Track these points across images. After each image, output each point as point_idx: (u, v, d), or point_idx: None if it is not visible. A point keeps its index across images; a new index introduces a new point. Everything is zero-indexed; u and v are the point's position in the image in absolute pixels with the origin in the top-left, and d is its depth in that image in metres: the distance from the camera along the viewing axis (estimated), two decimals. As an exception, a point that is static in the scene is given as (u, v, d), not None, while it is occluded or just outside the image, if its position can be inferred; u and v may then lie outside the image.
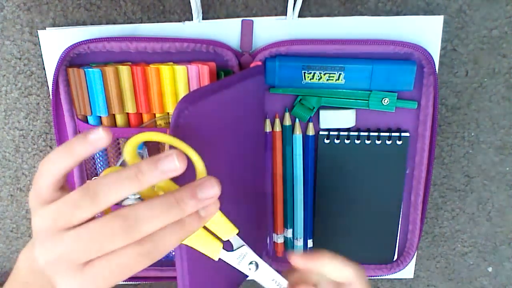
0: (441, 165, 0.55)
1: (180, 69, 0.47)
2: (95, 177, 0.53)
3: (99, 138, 0.27)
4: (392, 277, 0.58)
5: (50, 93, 0.51)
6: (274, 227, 0.56)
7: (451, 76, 0.51)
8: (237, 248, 0.32)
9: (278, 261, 0.58)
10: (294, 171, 0.53)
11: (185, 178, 0.28)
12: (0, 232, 0.60)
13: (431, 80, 0.48)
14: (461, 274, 0.60)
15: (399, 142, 0.51)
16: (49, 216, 0.26)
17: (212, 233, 0.31)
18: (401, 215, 0.54)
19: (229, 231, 0.31)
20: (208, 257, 0.31)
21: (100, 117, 0.49)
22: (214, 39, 0.48)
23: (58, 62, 0.47)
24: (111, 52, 0.48)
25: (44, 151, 0.55)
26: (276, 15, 0.49)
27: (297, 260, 0.35)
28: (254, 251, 0.33)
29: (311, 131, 0.51)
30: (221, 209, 0.30)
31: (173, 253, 0.56)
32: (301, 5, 0.47)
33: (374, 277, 0.57)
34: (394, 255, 0.56)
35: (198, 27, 0.48)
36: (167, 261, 0.57)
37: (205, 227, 0.30)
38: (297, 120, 0.51)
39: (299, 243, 0.56)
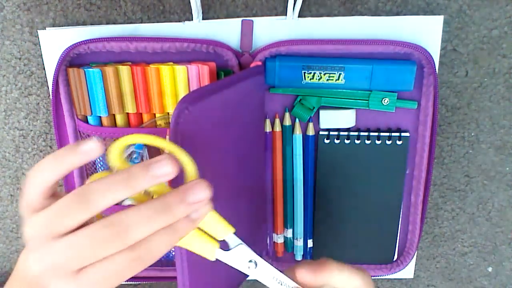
0: (441, 165, 0.55)
1: (180, 69, 0.47)
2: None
3: (91, 149, 0.27)
4: (392, 277, 0.58)
5: (50, 93, 0.51)
6: (274, 227, 0.56)
7: (451, 76, 0.51)
8: (234, 247, 0.32)
9: (278, 261, 0.58)
10: (294, 171, 0.53)
11: (178, 181, 0.28)
12: (0, 232, 0.60)
13: (431, 80, 0.48)
14: (461, 274, 0.60)
15: (399, 142, 0.51)
16: (39, 224, 0.26)
17: (208, 233, 0.30)
18: (401, 215, 0.54)
19: (225, 231, 0.31)
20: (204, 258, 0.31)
21: (100, 117, 0.49)
22: (214, 39, 0.48)
23: (58, 62, 0.47)
24: (111, 52, 0.48)
25: (44, 151, 0.55)
26: (276, 15, 0.49)
27: (305, 274, 0.35)
28: (253, 250, 0.32)
29: (311, 131, 0.51)
30: (220, 208, 0.30)
31: (173, 253, 0.56)
32: (301, 5, 0.47)
33: (374, 277, 0.57)
34: (394, 255, 0.56)
35: (198, 27, 0.48)
36: (167, 261, 0.57)
37: (199, 228, 0.30)
38: (297, 120, 0.51)
39: (299, 243, 0.56)
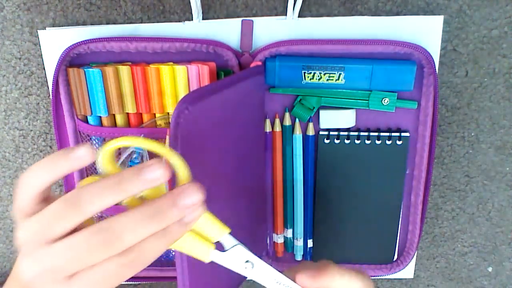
0: (441, 165, 0.55)
1: (180, 69, 0.47)
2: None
3: (82, 156, 0.26)
4: (392, 277, 0.58)
5: (50, 93, 0.51)
6: (274, 227, 0.56)
7: (451, 76, 0.51)
8: (230, 248, 0.31)
9: (278, 261, 0.58)
10: (294, 171, 0.53)
11: (172, 184, 0.28)
12: (0, 232, 0.60)
13: (431, 80, 0.48)
14: (461, 274, 0.60)
15: (399, 142, 0.51)
16: (31, 229, 0.26)
17: (203, 235, 0.30)
18: (401, 215, 0.54)
19: (220, 232, 0.30)
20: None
21: (100, 117, 0.49)
22: (214, 39, 0.48)
23: (58, 62, 0.47)
24: (111, 52, 0.48)
25: (44, 151, 0.55)
26: (276, 15, 0.49)
27: (305, 280, 0.34)
28: (251, 250, 0.32)
29: (311, 131, 0.51)
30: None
31: (173, 253, 0.56)
32: (301, 5, 0.47)
33: (374, 277, 0.57)
34: (394, 255, 0.56)
35: (198, 27, 0.48)
36: (167, 261, 0.57)
37: (194, 230, 0.30)
38: (297, 120, 0.51)
39: (299, 243, 0.56)
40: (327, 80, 0.48)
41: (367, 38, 0.47)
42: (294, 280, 0.34)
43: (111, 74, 0.47)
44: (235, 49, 0.49)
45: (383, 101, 0.49)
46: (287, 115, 0.51)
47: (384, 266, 0.56)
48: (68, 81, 0.48)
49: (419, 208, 0.53)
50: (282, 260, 0.58)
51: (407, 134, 0.50)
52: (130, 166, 0.50)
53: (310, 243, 0.56)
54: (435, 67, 0.47)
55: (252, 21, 0.48)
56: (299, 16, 0.48)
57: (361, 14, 0.49)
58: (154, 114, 0.49)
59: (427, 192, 0.52)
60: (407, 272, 0.59)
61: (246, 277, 0.35)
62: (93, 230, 0.25)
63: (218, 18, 0.49)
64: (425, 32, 0.47)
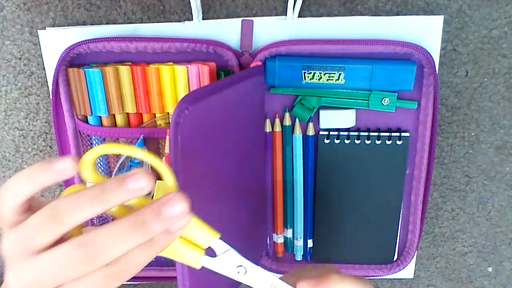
0: (441, 165, 0.55)
1: (180, 69, 0.47)
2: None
3: (65, 169, 0.26)
4: (392, 277, 0.58)
5: (50, 93, 0.51)
6: (274, 227, 0.56)
7: (451, 76, 0.51)
8: (222, 254, 0.30)
9: (278, 261, 0.58)
10: (294, 171, 0.53)
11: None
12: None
13: (431, 80, 0.48)
14: (461, 274, 0.60)
15: (399, 142, 0.51)
16: (14, 240, 0.26)
17: (192, 241, 0.29)
18: (401, 215, 0.54)
19: (210, 237, 0.29)
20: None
21: (100, 117, 0.49)
22: (214, 39, 0.48)
23: (58, 62, 0.47)
24: (111, 52, 0.48)
25: (44, 151, 0.55)
26: (276, 15, 0.49)
27: None
28: (244, 254, 0.32)
29: (311, 131, 0.51)
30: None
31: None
32: (301, 5, 0.47)
33: (374, 277, 0.57)
34: (394, 255, 0.56)
35: (198, 27, 0.48)
36: (167, 261, 0.57)
37: (182, 236, 0.29)
38: (297, 120, 0.51)
39: (299, 243, 0.56)
40: (327, 80, 0.48)
41: (367, 38, 0.47)
42: (295, 286, 0.33)
43: (111, 74, 0.47)
44: (235, 49, 0.49)
45: (383, 101, 0.49)
46: (287, 115, 0.51)
47: (384, 266, 0.56)
48: (68, 81, 0.48)
49: (419, 208, 0.53)
50: (282, 260, 0.58)
51: (407, 134, 0.50)
52: (130, 166, 0.50)
53: (310, 243, 0.56)
54: (435, 67, 0.47)
55: (252, 21, 0.48)
56: (299, 16, 0.48)
57: (361, 14, 0.49)
58: (154, 114, 0.49)
59: (427, 192, 0.52)
60: (407, 272, 0.59)
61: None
62: (75, 244, 0.25)
63: (218, 18, 0.49)
64: (425, 32, 0.47)
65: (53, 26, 0.50)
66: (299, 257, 0.57)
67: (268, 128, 0.51)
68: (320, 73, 0.48)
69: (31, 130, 0.54)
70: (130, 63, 0.49)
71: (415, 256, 0.57)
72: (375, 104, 0.49)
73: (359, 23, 0.48)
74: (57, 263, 0.25)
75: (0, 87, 0.53)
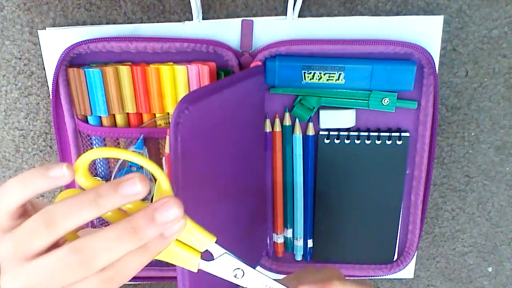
0: (441, 165, 0.55)
1: (180, 69, 0.46)
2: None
3: (60, 176, 0.25)
4: (392, 277, 0.58)
5: (50, 93, 0.51)
6: (274, 227, 0.56)
7: (451, 76, 0.51)
8: (218, 257, 0.30)
9: (278, 261, 0.58)
10: (294, 171, 0.53)
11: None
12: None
13: (431, 80, 0.48)
14: (461, 274, 0.60)
15: (399, 142, 0.51)
16: (8, 244, 0.25)
17: (188, 244, 0.29)
18: (401, 215, 0.54)
19: (206, 241, 0.29)
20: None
21: (100, 117, 0.49)
22: (214, 39, 0.48)
23: (58, 62, 0.47)
24: (111, 52, 0.48)
25: (44, 151, 0.55)
26: (276, 15, 0.49)
27: None
28: (240, 257, 0.31)
29: (311, 131, 0.51)
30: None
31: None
32: (301, 5, 0.47)
33: (374, 277, 0.57)
34: (394, 255, 0.56)
35: (198, 27, 0.48)
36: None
37: (178, 240, 0.29)
38: (297, 120, 0.51)
39: (299, 243, 0.56)
40: (327, 80, 0.48)
41: (367, 38, 0.47)
42: None
43: (111, 74, 0.47)
44: (235, 49, 0.49)
45: (383, 101, 0.49)
46: (287, 115, 0.51)
47: (384, 266, 0.56)
48: (68, 81, 0.48)
49: (419, 208, 0.53)
50: (282, 260, 0.58)
51: (407, 134, 0.50)
52: (130, 166, 0.50)
53: (310, 243, 0.56)
54: (435, 67, 0.47)
55: (252, 21, 0.48)
56: (299, 16, 0.48)
57: (361, 14, 0.49)
58: (154, 114, 0.49)
59: (427, 192, 0.52)
60: (407, 272, 0.59)
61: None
62: (68, 250, 0.24)
63: (218, 18, 0.49)
64: (425, 32, 0.47)
65: (53, 26, 0.50)
66: (299, 257, 0.57)
67: (268, 128, 0.51)
68: (320, 73, 0.48)
69: (31, 130, 0.54)
70: (130, 63, 0.49)
71: (415, 256, 0.57)
72: (375, 104, 0.49)
73: (359, 23, 0.48)
74: (50, 269, 0.25)
75: (0, 87, 0.53)
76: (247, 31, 0.48)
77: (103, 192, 0.25)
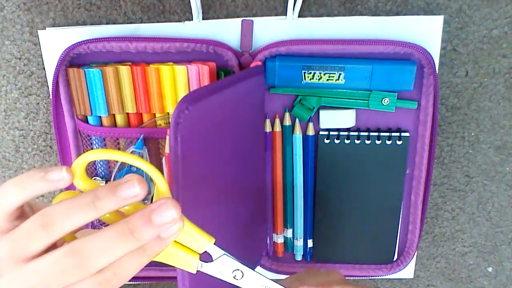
0: (441, 165, 0.55)
1: (180, 69, 0.46)
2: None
3: (59, 179, 0.25)
4: (392, 277, 0.58)
5: (50, 93, 0.51)
6: (274, 227, 0.56)
7: (451, 76, 0.51)
8: (217, 258, 0.30)
9: (278, 261, 0.58)
10: (294, 171, 0.53)
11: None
12: None
13: (431, 80, 0.48)
14: (461, 274, 0.60)
15: (399, 142, 0.51)
16: (5, 246, 0.25)
17: (187, 246, 0.29)
18: (401, 215, 0.54)
19: (205, 242, 0.29)
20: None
21: (100, 117, 0.49)
22: (214, 39, 0.48)
23: (58, 62, 0.47)
24: (111, 52, 0.48)
25: (44, 151, 0.55)
26: (276, 15, 0.49)
27: None
28: (239, 259, 0.31)
29: (311, 131, 0.51)
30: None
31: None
32: (301, 5, 0.47)
33: (374, 277, 0.57)
34: (394, 255, 0.56)
35: (198, 27, 0.48)
36: (167, 261, 0.57)
37: (177, 242, 0.29)
38: (297, 120, 0.51)
39: (299, 243, 0.56)
40: (327, 80, 0.48)
41: (367, 38, 0.47)
42: None
43: (111, 74, 0.47)
44: (235, 49, 0.49)
45: (383, 101, 0.49)
46: (287, 115, 0.51)
47: (384, 266, 0.56)
48: (68, 81, 0.48)
49: (419, 208, 0.53)
50: (282, 260, 0.58)
51: (407, 134, 0.50)
52: (130, 166, 0.50)
53: (310, 243, 0.56)
54: (435, 67, 0.47)
55: (252, 21, 0.48)
56: (299, 16, 0.48)
57: (361, 14, 0.49)
58: (154, 114, 0.49)
59: (427, 192, 0.52)
60: (407, 272, 0.59)
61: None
62: (64, 252, 0.24)
63: (218, 18, 0.49)
64: (425, 32, 0.47)
65: (53, 26, 0.50)
66: (299, 257, 0.57)
67: (268, 128, 0.51)
68: (320, 73, 0.48)
69: (31, 130, 0.54)
70: (130, 63, 0.49)
71: (415, 256, 0.57)
72: (375, 104, 0.49)
73: (359, 23, 0.48)
74: (47, 271, 0.24)
75: (0, 87, 0.53)
76: (247, 31, 0.48)
77: (101, 194, 0.25)
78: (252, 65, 0.47)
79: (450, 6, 0.48)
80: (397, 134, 0.50)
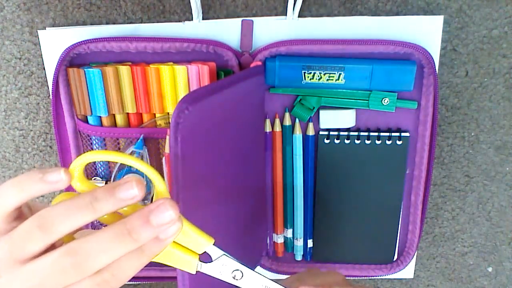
0: (441, 165, 0.55)
1: (180, 69, 0.46)
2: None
3: (57, 181, 0.25)
4: (392, 277, 0.58)
5: (50, 93, 0.51)
6: (274, 227, 0.56)
7: (451, 76, 0.51)
8: (217, 258, 0.30)
9: (278, 261, 0.58)
10: (294, 171, 0.53)
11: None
12: None
13: (431, 80, 0.48)
14: (461, 274, 0.60)
15: (399, 142, 0.51)
16: (4, 247, 0.25)
17: (186, 246, 0.29)
18: (401, 215, 0.54)
19: (204, 243, 0.29)
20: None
21: (100, 117, 0.49)
22: (214, 39, 0.48)
23: (58, 62, 0.47)
24: (111, 52, 0.48)
25: (44, 151, 0.55)
26: (276, 15, 0.49)
27: None
28: (239, 259, 0.31)
29: (311, 131, 0.51)
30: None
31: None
32: (301, 5, 0.47)
33: (374, 277, 0.57)
34: (394, 255, 0.56)
35: (198, 27, 0.48)
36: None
37: (175, 242, 0.28)
38: (297, 120, 0.51)
39: (299, 243, 0.56)
40: (327, 80, 0.48)
41: (367, 38, 0.47)
42: None
43: (111, 74, 0.47)
44: (235, 49, 0.49)
45: (383, 101, 0.49)
46: (287, 115, 0.51)
47: (384, 266, 0.56)
48: (68, 81, 0.48)
49: (419, 208, 0.53)
50: (282, 260, 0.58)
51: (407, 134, 0.50)
52: (130, 166, 0.50)
53: (310, 243, 0.56)
54: (435, 67, 0.47)
55: (252, 21, 0.48)
56: (299, 16, 0.48)
57: (361, 14, 0.49)
58: (154, 114, 0.49)
59: (427, 192, 0.52)
60: (407, 272, 0.59)
61: None
62: (61, 252, 0.24)
63: (218, 18, 0.49)
64: (425, 32, 0.47)
65: (53, 26, 0.50)
66: (299, 257, 0.57)
67: (268, 128, 0.51)
68: (320, 73, 0.48)
69: (31, 130, 0.54)
70: (130, 63, 0.49)
71: (415, 256, 0.57)
72: (375, 104, 0.49)
73: (359, 23, 0.48)
74: (45, 272, 0.24)
75: (0, 87, 0.53)
76: (247, 31, 0.48)
77: (99, 195, 0.25)
78: (252, 65, 0.47)
79: (450, 6, 0.48)
80: (397, 134, 0.50)
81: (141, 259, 0.26)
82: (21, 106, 0.53)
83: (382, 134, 0.50)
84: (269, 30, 0.48)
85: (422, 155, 0.51)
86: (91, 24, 0.50)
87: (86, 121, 0.50)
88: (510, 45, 0.49)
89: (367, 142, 0.51)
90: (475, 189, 0.56)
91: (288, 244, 0.57)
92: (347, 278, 0.57)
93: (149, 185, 0.49)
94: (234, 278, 0.31)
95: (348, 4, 0.48)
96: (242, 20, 0.48)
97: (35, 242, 0.25)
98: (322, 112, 0.50)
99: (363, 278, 0.58)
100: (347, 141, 0.51)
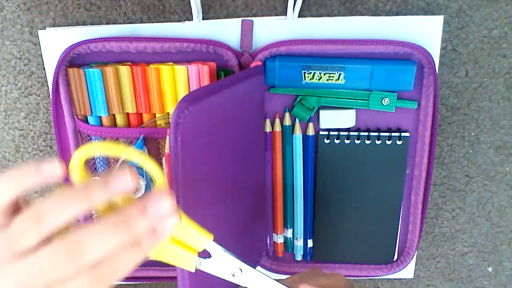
0: (441, 165, 0.55)
1: (180, 69, 0.47)
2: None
3: (51, 173, 0.25)
4: (392, 277, 0.58)
5: (50, 93, 0.51)
6: (274, 227, 0.56)
7: (451, 76, 0.51)
8: (216, 256, 0.30)
9: (278, 261, 0.58)
10: (294, 171, 0.53)
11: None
12: None
13: (431, 80, 0.48)
14: (461, 274, 0.60)
15: (399, 142, 0.51)
16: (0, 242, 0.25)
17: (185, 243, 0.29)
18: (401, 215, 0.54)
19: (203, 239, 0.29)
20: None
21: (100, 117, 0.49)
22: (214, 39, 0.48)
23: (58, 62, 0.47)
24: (111, 52, 0.48)
25: (44, 151, 0.55)
26: (276, 15, 0.49)
27: None
28: (238, 256, 0.31)
29: (311, 131, 0.51)
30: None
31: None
32: (301, 5, 0.47)
33: (374, 277, 0.57)
34: (394, 255, 0.56)
35: (198, 27, 0.48)
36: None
37: (175, 239, 0.28)
38: (297, 120, 0.51)
39: (299, 243, 0.56)
40: (327, 80, 0.48)
41: (367, 38, 0.47)
42: None
43: (111, 74, 0.47)
44: (235, 49, 0.49)
45: (383, 101, 0.49)
46: (287, 115, 0.51)
47: (384, 266, 0.56)
48: (68, 81, 0.48)
49: (419, 208, 0.53)
50: (282, 260, 0.58)
51: (407, 134, 0.50)
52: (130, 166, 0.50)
53: (310, 243, 0.56)
54: (435, 67, 0.47)
55: (252, 21, 0.48)
56: (299, 16, 0.48)
57: (361, 14, 0.49)
58: (154, 114, 0.49)
59: (427, 192, 0.52)
60: (407, 272, 0.59)
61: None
62: (57, 244, 0.24)
63: (218, 18, 0.49)
64: (425, 32, 0.47)
65: (53, 26, 0.50)
66: (299, 257, 0.57)
67: (268, 128, 0.51)
68: (320, 73, 0.48)
69: (31, 130, 0.54)
70: (130, 63, 0.49)
71: (415, 256, 0.57)
72: (375, 104, 0.49)
73: (359, 23, 0.48)
74: (41, 264, 0.24)
75: (0, 87, 0.53)
76: (247, 31, 0.48)
77: (92, 184, 0.25)
78: (252, 65, 0.47)
79: (450, 6, 0.48)
80: (397, 134, 0.50)
81: (138, 253, 0.26)
82: (21, 106, 0.53)
83: (382, 134, 0.50)
84: (269, 30, 0.48)
85: (422, 155, 0.51)
86: (91, 24, 0.50)
87: (86, 121, 0.50)
88: (510, 45, 0.49)
89: (367, 142, 0.51)
90: (475, 189, 0.56)
91: (288, 244, 0.57)
92: (347, 278, 0.57)
93: (149, 183, 0.49)
94: (233, 275, 0.30)
95: (348, 4, 0.48)
96: (242, 20, 0.48)
97: (30, 235, 0.25)
98: (322, 112, 0.50)
99: (363, 278, 0.58)
100: (347, 141, 0.51)
